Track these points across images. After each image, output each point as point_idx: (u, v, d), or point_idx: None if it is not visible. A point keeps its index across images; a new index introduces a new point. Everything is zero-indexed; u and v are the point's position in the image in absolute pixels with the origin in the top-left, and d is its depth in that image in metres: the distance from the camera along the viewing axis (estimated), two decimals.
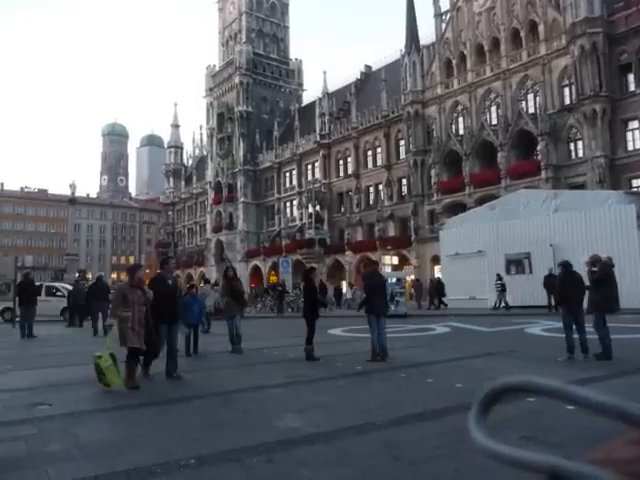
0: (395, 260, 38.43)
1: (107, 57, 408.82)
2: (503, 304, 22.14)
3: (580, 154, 31.46)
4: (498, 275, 22.39)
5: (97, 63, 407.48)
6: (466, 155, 35.59)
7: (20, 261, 29.20)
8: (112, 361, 6.69)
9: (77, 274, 32.14)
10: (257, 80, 58.28)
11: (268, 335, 15.66)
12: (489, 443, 0.44)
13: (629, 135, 30.10)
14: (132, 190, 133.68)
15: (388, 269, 35.21)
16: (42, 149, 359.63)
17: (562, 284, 9.09)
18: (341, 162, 47.99)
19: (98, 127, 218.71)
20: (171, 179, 71.45)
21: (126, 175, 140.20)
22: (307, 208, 47.49)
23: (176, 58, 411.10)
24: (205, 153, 65.11)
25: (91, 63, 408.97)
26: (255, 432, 4.68)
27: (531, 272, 22.19)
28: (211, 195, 60.13)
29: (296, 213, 51.69)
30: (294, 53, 63.96)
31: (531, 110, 33.99)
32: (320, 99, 49.51)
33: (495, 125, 35.15)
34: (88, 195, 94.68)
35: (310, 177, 50.40)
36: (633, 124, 29.88)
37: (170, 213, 71.28)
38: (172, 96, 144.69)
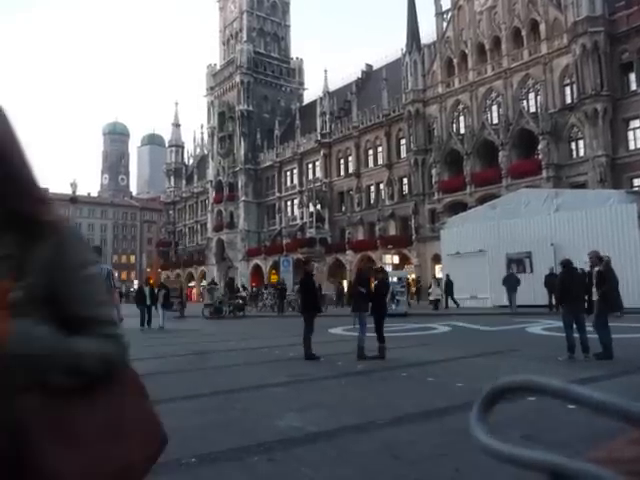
0: (396, 259, 38.41)
1: (108, 56, 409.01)
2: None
3: (581, 153, 31.44)
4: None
5: (98, 62, 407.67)
6: (467, 154, 35.57)
7: None
8: None
9: None
10: (258, 79, 58.27)
11: (269, 334, 15.65)
12: (490, 442, 0.44)
13: (630, 134, 30.08)
14: (133, 189, 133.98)
15: (389, 268, 35.18)
16: (43, 148, 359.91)
17: (562, 282, 9.09)
18: (342, 161, 47.99)
19: (99, 126, 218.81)
20: (172, 178, 71.50)
21: (127, 174, 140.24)
22: (308, 207, 47.49)
23: (177, 57, 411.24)
24: (206, 152, 65.14)
25: (92, 62, 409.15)
26: (256, 431, 4.68)
27: (532, 271, 22.16)
28: (212, 194, 60.14)
29: (297, 212, 51.70)
30: (295, 52, 64.07)
31: (532, 109, 33.98)
32: (321, 98, 49.52)
33: (496, 124, 35.13)
34: (89, 194, 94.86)
35: (311, 176, 50.41)
36: (634, 123, 29.85)
37: (171, 212, 71.32)
38: (173, 95, 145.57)
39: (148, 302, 18.96)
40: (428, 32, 41.37)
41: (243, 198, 56.08)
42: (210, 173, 61.15)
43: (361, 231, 44.78)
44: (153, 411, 1.13)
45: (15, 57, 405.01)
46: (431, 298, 25.70)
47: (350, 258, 43.59)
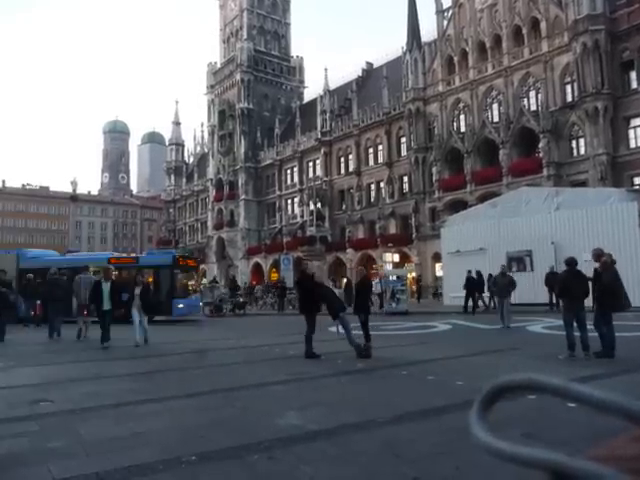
0: (396, 258, 38.41)
1: (108, 54, 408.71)
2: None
3: (582, 151, 31.41)
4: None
5: (98, 61, 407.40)
6: (467, 153, 35.54)
7: None
8: None
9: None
10: (258, 77, 58.21)
11: (269, 332, 15.66)
12: (491, 440, 0.43)
13: (631, 133, 30.04)
14: (133, 187, 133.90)
15: (389, 267, 35.21)
16: (44, 146, 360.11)
17: (564, 281, 9.11)
18: (342, 159, 47.96)
19: (99, 124, 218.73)
20: (172, 176, 71.50)
21: (127, 172, 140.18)
22: (308, 205, 47.48)
23: (177, 55, 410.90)
24: (206, 150, 65.13)
25: (92, 61, 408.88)
26: (256, 429, 4.68)
27: (532, 270, 22.16)
28: (212, 192, 60.12)
29: (297, 210, 51.68)
30: (295, 50, 63.92)
31: (533, 107, 33.93)
32: (321, 96, 49.46)
33: (497, 122, 35.10)
34: (89, 192, 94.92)
35: (311, 174, 50.38)
36: (635, 121, 29.81)
37: (171, 210, 71.34)
38: (173, 93, 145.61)
39: (106, 306, 11.85)
40: (429, 30, 41.35)
41: (243, 196, 56.06)
42: (210, 171, 61.12)
43: (361, 229, 44.78)
44: None
45: (15, 56, 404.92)
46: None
47: (350, 257, 43.59)
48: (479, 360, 8.73)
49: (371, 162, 45.36)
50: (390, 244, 39.38)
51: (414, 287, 33.08)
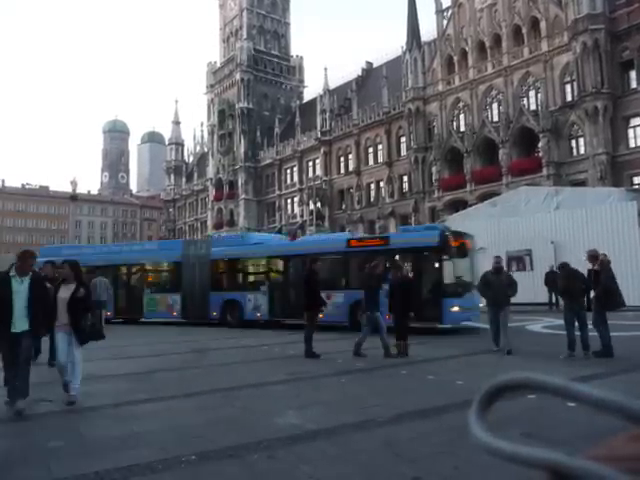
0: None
1: (108, 54, 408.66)
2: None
3: (581, 151, 31.40)
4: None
5: (98, 60, 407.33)
6: (467, 152, 35.53)
7: None
8: None
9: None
10: (258, 77, 58.19)
11: (268, 331, 15.64)
12: (490, 439, 0.43)
13: (631, 132, 30.03)
14: (133, 187, 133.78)
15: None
16: (43, 146, 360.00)
17: (564, 278, 9.15)
18: (342, 159, 47.95)
19: (99, 124, 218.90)
20: (172, 176, 71.49)
21: (127, 172, 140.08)
22: (308, 205, 47.48)
23: (177, 55, 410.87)
24: (206, 150, 65.09)
25: (92, 60, 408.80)
26: (256, 429, 4.68)
27: (532, 269, 22.16)
28: (212, 192, 60.12)
29: (297, 210, 51.66)
30: (295, 50, 63.96)
31: (532, 107, 33.92)
32: (321, 96, 49.44)
33: (496, 122, 35.08)
34: (89, 192, 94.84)
35: (311, 174, 50.37)
36: (635, 121, 29.80)
37: (171, 210, 71.34)
38: (173, 93, 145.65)
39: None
40: (428, 30, 41.36)
41: (243, 196, 56.07)
42: (210, 171, 61.13)
43: (361, 229, 44.74)
44: None
45: (16, 55, 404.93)
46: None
47: None
48: (479, 360, 8.74)
49: (371, 162, 45.35)
50: None
51: None
